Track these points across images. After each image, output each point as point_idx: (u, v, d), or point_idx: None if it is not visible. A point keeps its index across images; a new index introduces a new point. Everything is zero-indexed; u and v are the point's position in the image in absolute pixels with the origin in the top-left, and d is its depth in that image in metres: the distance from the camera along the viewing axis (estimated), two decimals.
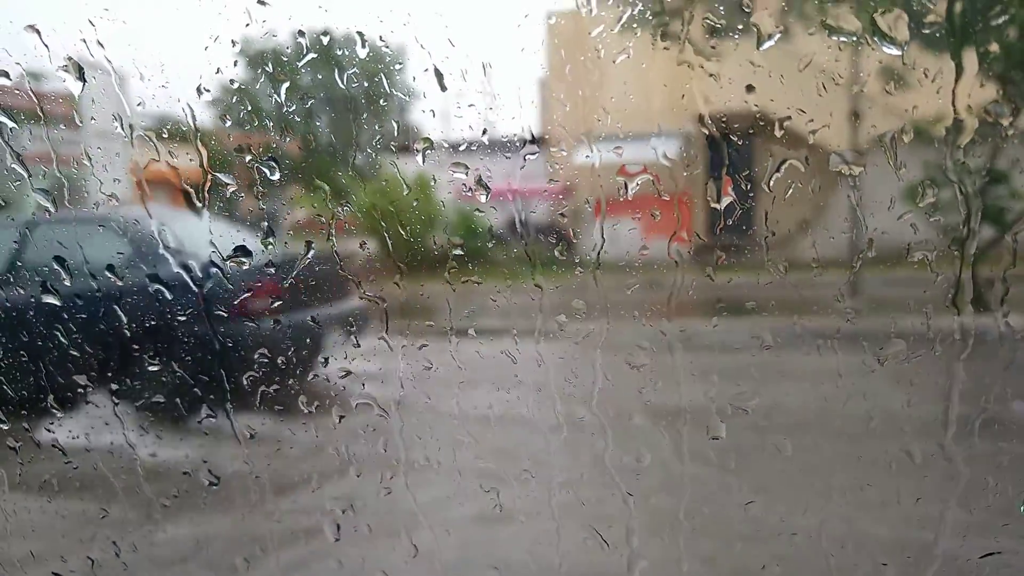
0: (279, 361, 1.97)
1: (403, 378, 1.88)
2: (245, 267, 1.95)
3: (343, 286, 1.87)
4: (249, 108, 1.92)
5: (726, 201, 1.71)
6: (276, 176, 1.86)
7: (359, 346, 1.95)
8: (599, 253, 1.75)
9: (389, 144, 1.92)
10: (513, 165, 1.77)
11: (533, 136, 1.77)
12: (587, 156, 1.77)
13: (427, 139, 1.81)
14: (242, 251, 1.95)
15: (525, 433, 2.02)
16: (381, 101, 1.92)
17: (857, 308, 1.75)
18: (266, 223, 1.90)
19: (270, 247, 1.90)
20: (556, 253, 1.82)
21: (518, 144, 1.75)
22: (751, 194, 1.70)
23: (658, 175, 1.73)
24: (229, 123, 1.91)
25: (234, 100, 1.92)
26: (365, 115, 1.93)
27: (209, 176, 1.82)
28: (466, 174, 1.78)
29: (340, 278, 1.83)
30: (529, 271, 1.76)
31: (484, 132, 1.82)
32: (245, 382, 2.04)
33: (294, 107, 1.90)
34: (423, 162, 1.80)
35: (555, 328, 1.80)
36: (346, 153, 2.02)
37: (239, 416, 1.98)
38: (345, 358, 1.97)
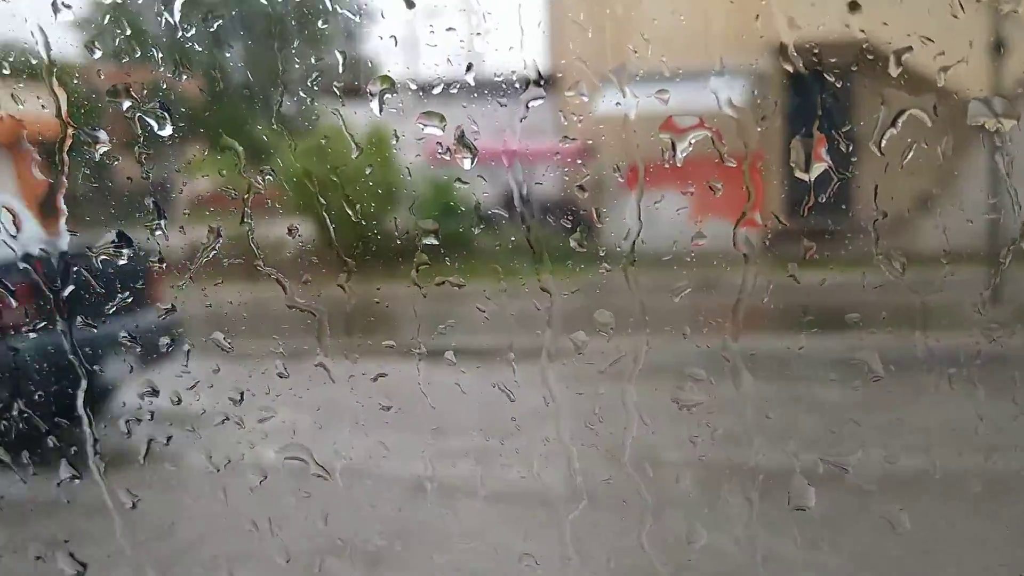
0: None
1: (349, 423, 1.68)
2: (123, 261, 1.68)
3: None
4: (128, 33, 1.64)
5: (818, 169, 1.49)
6: (167, 130, 1.63)
7: (286, 376, 1.63)
8: (634, 243, 1.54)
9: (331, 85, 1.63)
10: (510, 116, 1.54)
11: (539, 75, 1.53)
12: (617, 103, 1.53)
13: (386, 78, 1.57)
14: (120, 239, 1.69)
15: (526, 507, 1.77)
16: (319, 23, 1.60)
17: (1005, 321, 1.51)
18: (152, 199, 1.66)
19: (157, 233, 1.65)
20: (572, 243, 1.59)
21: (517, 86, 1.54)
22: (854, 159, 1.49)
23: (720, 131, 1.51)
24: (99, 54, 1.64)
25: (106, 21, 1.65)
26: (296, 43, 1.56)
27: (69, 130, 1.62)
28: (442, 129, 1.56)
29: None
30: (533, 268, 1.56)
31: (469, 68, 1.57)
32: (122, 426, 1.63)
33: (193, 31, 1.63)
34: (380, 111, 1.57)
35: (570, 350, 1.58)
36: (268, 98, 1.70)
37: (115, 475, 1.71)
38: (267, 393, 1.69)
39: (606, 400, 1.56)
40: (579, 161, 1.63)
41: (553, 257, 1.55)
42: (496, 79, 1.55)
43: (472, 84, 1.57)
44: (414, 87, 1.59)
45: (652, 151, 1.52)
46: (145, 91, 1.60)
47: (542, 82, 1.52)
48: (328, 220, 1.63)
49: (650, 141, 1.52)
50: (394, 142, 1.62)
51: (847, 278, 1.53)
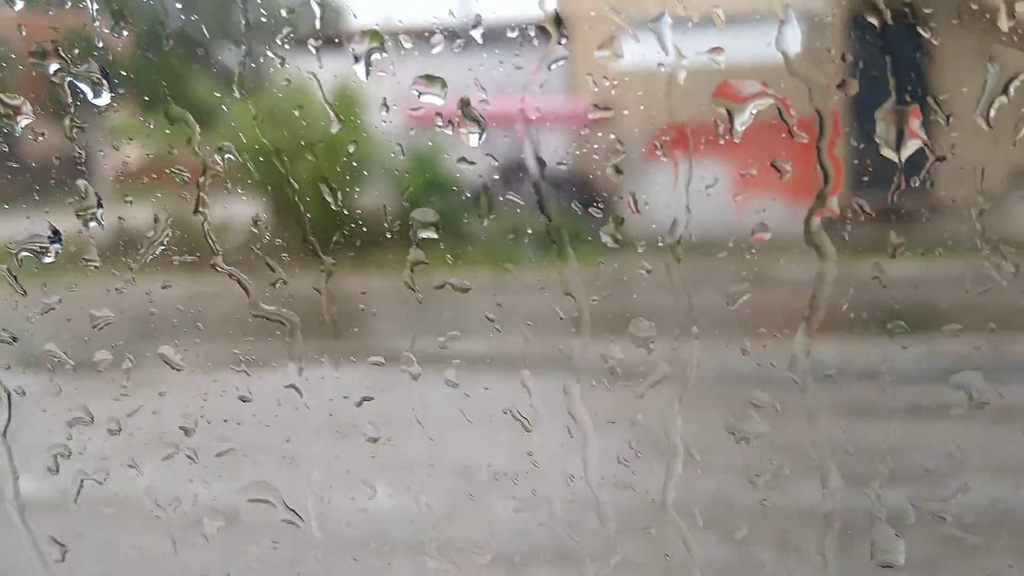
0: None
1: (327, 457, 1.61)
2: (50, 259, 1.60)
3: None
4: None
5: (911, 145, 1.39)
6: (104, 98, 1.55)
7: (249, 399, 1.59)
8: (680, 237, 1.46)
9: (305, 41, 1.53)
10: (525, 80, 1.45)
11: (560, 25, 1.44)
12: (659, 63, 1.44)
13: (375, 34, 1.48)
14: (47, 232, 1.61)
15: (546, 564, 1.72)
16: None
17: None
18: (83, 181, 1.57)
19: (92, 224, 1.57)
20: (603, 236, 1.50)
21: (533, 40, 1.45)
22: (954, 133, 1.40)
23: (786, 98, 1.42)
24: (19, 4, 1.58)
25: None
26: None
27: None
28: (443, 96, 1.48)
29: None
30: (554, 267, 1.47)
31: (476, 24, 1.48)
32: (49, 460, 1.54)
33: None
34: (366, 74, 1.49)
35: (600, 368, 1.51)
36: (226, 57, 1.63)
37: (40, 520, 1.66)
38: (226, 420, 1.62)
39: (644, 431, 1.50)
40: (611, 136, 1.51)
41: (580, 253, 1.49)
42: (507, 32, 1.47)
43: (479, 41, 1.49)
44: (408, 45, 1.51)
45: (702, 123, 1.45)
46: (76, 51, 1.55)
47: (563, 36, 1.43)
48: (302, 208, 1.57)
49: (700, 110, 1.45)
50: (384, 112, 1.52)
51: (944, 279, 1.47)
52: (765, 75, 1.43)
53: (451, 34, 1.49)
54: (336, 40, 1.55)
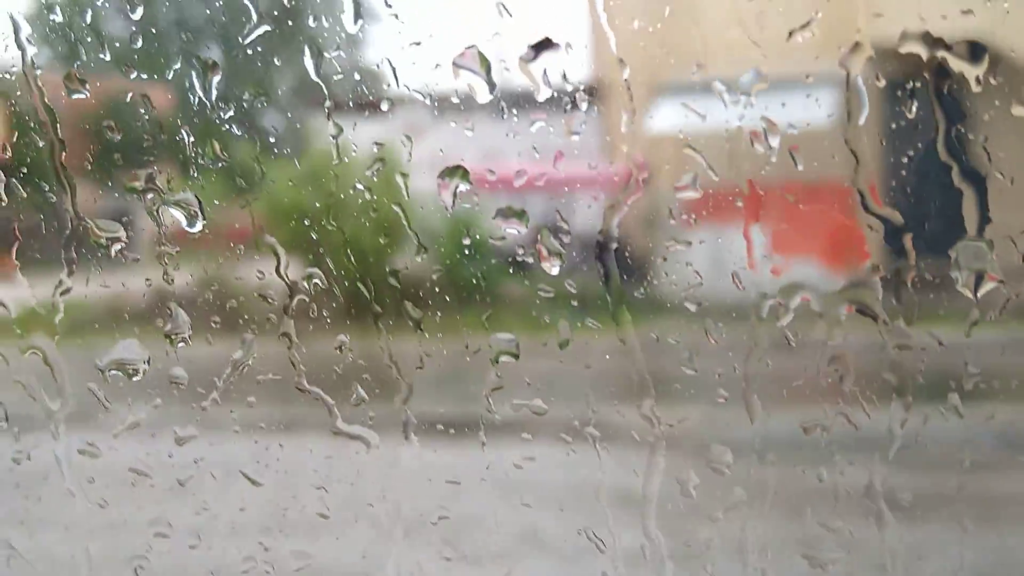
0: None
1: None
2: (138, 378, 1.58)
3: None
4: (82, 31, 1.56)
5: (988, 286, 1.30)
6: (196, 226, 1.53)
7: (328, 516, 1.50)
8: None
9: (328, 99, 1.47)
10: (562, 144, 1.42)
11: (594, 94, 1.41)
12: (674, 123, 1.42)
13: (463, 173, 1.44)
14: (138, 354, 1.58)
15: None
16: (310, 20, 1.51)
17: None
18: (173, 304, 1.56)
19: (180, 344, 1.55)
20: (684, 368, 1.45)
21: (567, 106, 1.41)
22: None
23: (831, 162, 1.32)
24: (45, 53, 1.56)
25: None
26: (280, 51, 1.53)
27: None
28: (523, 227, 1.45)
29: None
30: (633, 397, 1.39)
31: (492, 88, 1.40)
32: None
33: (157, 30, 1.54)
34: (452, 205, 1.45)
35: (674, 492, 1.41)
36: (253, 114, 1.59)
37: None
38: (305, 536, 1.53)
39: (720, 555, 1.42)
40: (627, 190, 1.42)
41: (660, 386, 1.41)
42: (509, 97, 1.40)
43: (484, 102, 1.41)
44: (427, 102, 1.46)
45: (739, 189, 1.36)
46: (170, 181, 1.52)
47: (583, 94, 1.38)
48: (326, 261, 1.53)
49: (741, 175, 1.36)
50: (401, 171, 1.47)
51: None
52: (797, 132, 1.34)
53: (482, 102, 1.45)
54: (363, 94, 1.52)
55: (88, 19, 1.60)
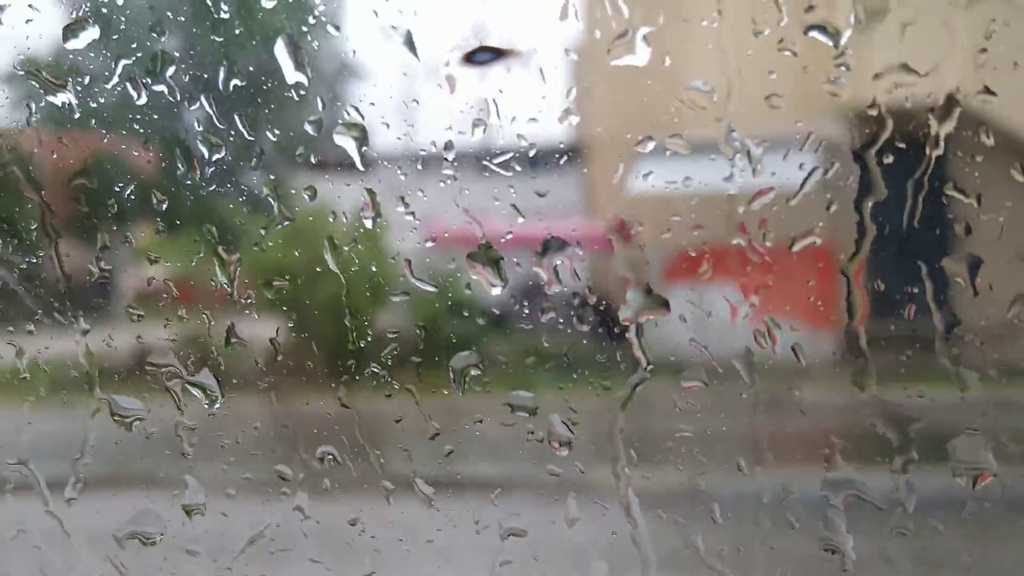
0: None
1: None
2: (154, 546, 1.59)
3: None
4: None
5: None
6: (216, 405, 1.53)
7: None
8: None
9: (314, 154, 1.49)
10: (544, 202, 1.42)
11: (578, 151, 1.46)
12: (651, 181, 1.41)
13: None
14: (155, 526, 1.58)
15: None
16: (303, 74, 1.46)
17: None
18: (190, 476, 1.55)
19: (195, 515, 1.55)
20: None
21: (549, 163, 1.43)
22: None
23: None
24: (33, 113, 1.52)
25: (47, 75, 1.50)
26: (270, 105, 1.49)
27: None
28: (532, 413, 1.44)
29: None
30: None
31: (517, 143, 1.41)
32: None
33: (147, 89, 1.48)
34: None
35: None
36: (239, 170, 1.55)
37: None
38: None
39: None
40: (631, 256, 1.45)
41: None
42: (528, 157, 1.40)
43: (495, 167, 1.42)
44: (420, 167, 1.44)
45: (725, 247, 1.37)
46: (192, 360, 1.49)
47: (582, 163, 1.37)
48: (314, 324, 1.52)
49: (722, 234, 1.37)
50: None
51: None
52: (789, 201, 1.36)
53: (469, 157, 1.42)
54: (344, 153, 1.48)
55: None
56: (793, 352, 1.36)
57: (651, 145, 1.38)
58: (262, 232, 1.50)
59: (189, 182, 1.48)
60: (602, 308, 1.47)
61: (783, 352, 1.39)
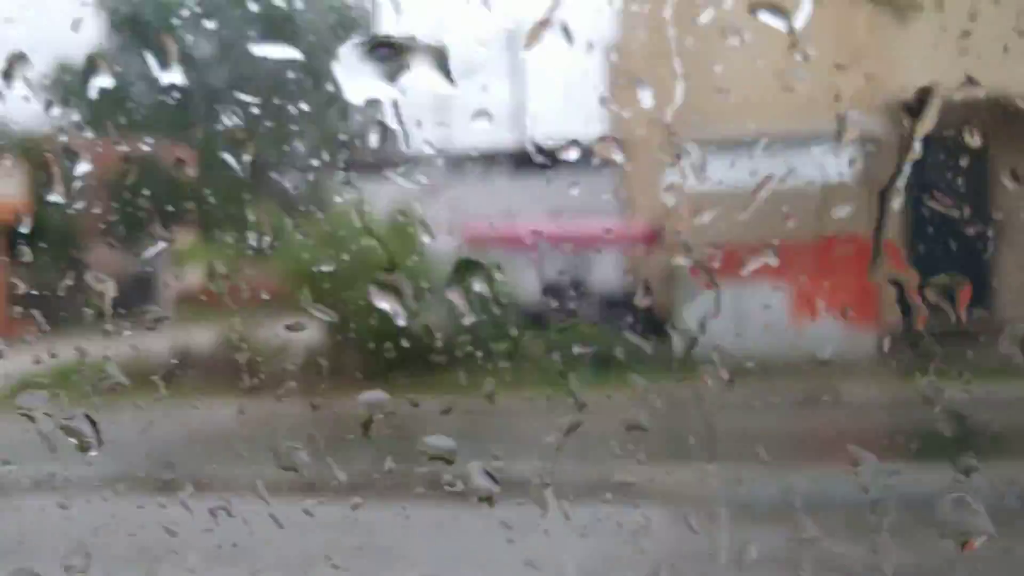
0: None
1: None
2: None
3: None
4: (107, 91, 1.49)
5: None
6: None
7: None
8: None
9: (343, 159, 1.50)
10: (581, 200, 1.39)
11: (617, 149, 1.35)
12: (684, 177, 1.35)
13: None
14: None
15: None
16: (327, 84, 1.42)
17: None
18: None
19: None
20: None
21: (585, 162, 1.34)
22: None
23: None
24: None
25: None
26: (298, 110, 1.48)
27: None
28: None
29: None
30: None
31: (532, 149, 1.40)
32: None
33: (178, 87, 1.47)
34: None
35: None
36: (267, 176, 1.58)
37: None
38: None
39: None
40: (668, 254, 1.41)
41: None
42: (564, 158, 1.38)
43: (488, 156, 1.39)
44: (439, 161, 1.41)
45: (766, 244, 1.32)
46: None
47: (620, 161, 1.34)
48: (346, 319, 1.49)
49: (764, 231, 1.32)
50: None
51: None
52: (821, 196, 1.36)
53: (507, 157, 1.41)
54: (388, 156, 1.48)
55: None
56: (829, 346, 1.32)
57: (693, 142, 1.36)
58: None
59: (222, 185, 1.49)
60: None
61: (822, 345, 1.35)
